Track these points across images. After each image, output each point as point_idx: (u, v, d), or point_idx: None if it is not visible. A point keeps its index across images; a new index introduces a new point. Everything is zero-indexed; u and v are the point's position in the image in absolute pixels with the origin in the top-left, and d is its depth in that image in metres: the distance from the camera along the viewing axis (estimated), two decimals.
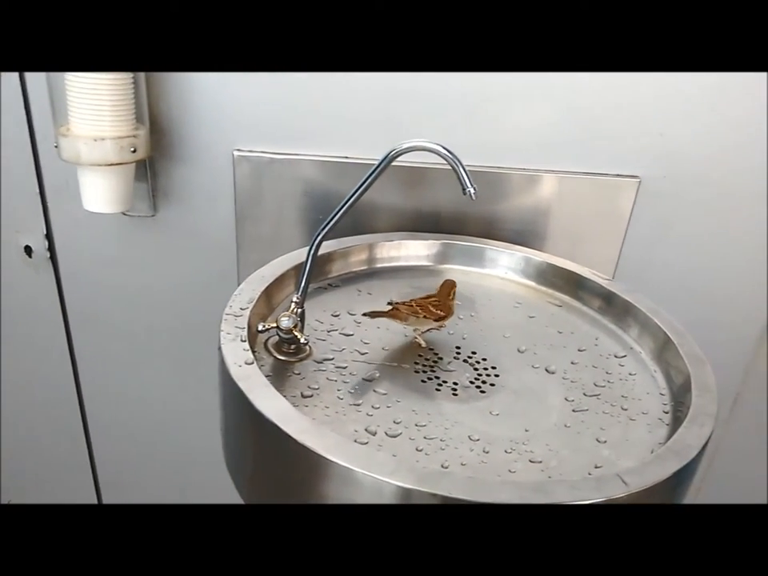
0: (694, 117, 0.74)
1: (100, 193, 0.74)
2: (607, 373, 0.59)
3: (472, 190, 0.52)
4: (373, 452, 0.44)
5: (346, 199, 0.55)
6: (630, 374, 0.59)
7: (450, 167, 0.53)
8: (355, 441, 0.48)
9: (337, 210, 0.55)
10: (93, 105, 0.68)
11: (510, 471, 0.47)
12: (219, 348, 0.52)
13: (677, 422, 0.52)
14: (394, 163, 0.55)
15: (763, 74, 0.71)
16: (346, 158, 0.78)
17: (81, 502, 1.11)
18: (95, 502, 1.12)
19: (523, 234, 0.80)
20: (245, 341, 0.53)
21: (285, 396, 0.51)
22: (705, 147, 0.76)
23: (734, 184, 0.78)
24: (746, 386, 0.90)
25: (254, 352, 0.56)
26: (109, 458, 1.06)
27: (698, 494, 1.01)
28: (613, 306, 0.67)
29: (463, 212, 0.80)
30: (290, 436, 0.43)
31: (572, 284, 0.70)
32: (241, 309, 0.57)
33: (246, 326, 0.54)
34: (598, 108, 0.75)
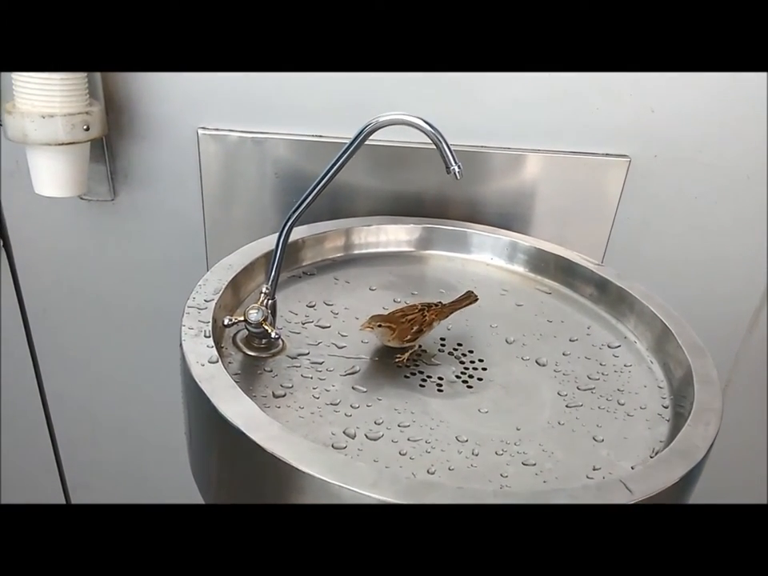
0: (686, 92, 0.71)
1: (52, 175, 0.68)
2: (601, 364, 0.56)
3: (456, 169, 0.47)
4: (351, 461, 0.39)
5: (317, 180, 0.50)
6: (626, 366, 0.56)
7: (433, 143, 0.48)
8: (332, 445, 0.44)
9: (308, 192, 0.50)
10: (40, 78, 0.62)
11: (501, 476, 0.43)
12: (180, 345, 0.47)
13: (678, 417, 0.48)
14: (371, 143, 0.50)
15: None
16: (320, 136, 0.73)
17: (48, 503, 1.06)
18: (63, 502, 1.06)
19: (507, 217, 0.76)
20: (209, 336, 0.48)
21: (254, 397, 0.48)
22: (698, 124, 0.72)
23: (728, 163, 0.74)
24: (737, 372, 0.88)
25: (220, 348, 0.52)
26: (76, 457, 1.01)
27: None
28: (606, 294, 0.63)
29: (444, 194, 0.75)
30: (257, 444, 0.39)
31: (562, 270, 0.67)
32: (205, 301, 0.52)
33: (210, 320, 0.49)
34: (586, 83, 0.70)
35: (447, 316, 0.56)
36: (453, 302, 0.57)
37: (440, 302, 0.56)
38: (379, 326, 0.52)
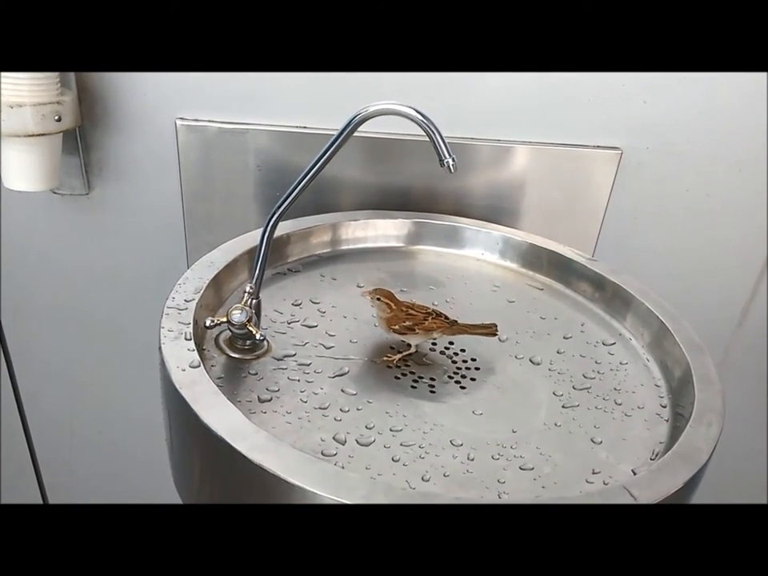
0: (678, 84, 0.69)
1: (22, 168, 0.65)
2: (596, 363, 0.54)
3: (450, 161, 0.45)
4: (342, 472, 0.37)
5: (304, 173, 0.47)
6: (621, 364, 0.54)
7: (425, 134, 0.46)
8: (322, 452, 0.42)
9: (294, 185, 0.48)
10: None
11: (499, 482, 0.42)
12: (159, 348, 0.45)
13: (678, 417, 0.47)
14: (357, 134, 0.48)
15: None
16: (304, 127, 0.70)
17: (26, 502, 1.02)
18: (40, 503, 1.03)
19: (496, 211, 0.75)
20: (189, 339, 0.45)
21: (238, 402, 0.45)
22: (690, 116, 0.71)
23: (720, 155, 0.73)
24: (726, 366, 0.88)
25: (201, 351, 0.49)
26: (52, 456, 0.98)
27: None
28: (600, 290, 0.61)
29: (432, 187, 0.73)
30: (242, 455, 0.36)
31: (555, 265, 0.65)
32: (185, 301, 0.49)
33: (191, 322, 0.47)
34: (577, 73, 0.68)
35: (454, 334, 0.53)
36: (468, 324, 0.53)
37: (455, 320, 0.53)
38: (378, 299, 0.51)
